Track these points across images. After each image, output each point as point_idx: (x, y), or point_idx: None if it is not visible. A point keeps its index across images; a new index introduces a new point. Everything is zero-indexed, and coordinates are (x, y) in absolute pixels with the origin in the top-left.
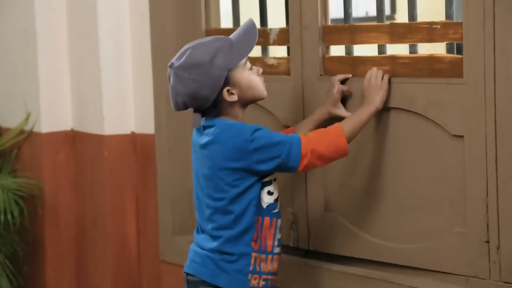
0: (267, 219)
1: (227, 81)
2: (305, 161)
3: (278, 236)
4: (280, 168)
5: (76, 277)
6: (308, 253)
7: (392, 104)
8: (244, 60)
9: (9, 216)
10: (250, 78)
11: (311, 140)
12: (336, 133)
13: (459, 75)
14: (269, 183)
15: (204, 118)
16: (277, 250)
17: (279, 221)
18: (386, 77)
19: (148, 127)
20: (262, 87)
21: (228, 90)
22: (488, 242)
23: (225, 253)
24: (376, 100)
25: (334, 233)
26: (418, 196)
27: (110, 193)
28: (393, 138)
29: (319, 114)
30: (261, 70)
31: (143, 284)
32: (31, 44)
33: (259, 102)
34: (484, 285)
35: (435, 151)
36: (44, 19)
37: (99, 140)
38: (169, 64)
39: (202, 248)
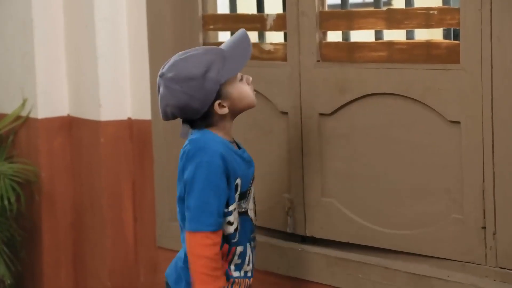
0: (225, 246)
1: (218, 95)
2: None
3: (238, 261)
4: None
5: (73, 263)
6: (304, 239)
7: (389, 90)
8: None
9: (6, 202)
10: (241, 89)
11: None
12: None
13: (456, 61)
14: (229, 213)
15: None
16: (236, 274)
17: (239, 248)
18: None
19: (144, 113)
20: (253, 96)
21: (219, 104)
22: (484, 228)
23: (187, 262)
24: None
25: (331, 219)
26: (415, 182)
27: (107, 179)
28: (390, 124)
29: None
30: (250, 78)
31: (140, 270)
32: (28, 31)
33: (256, 88)
34: (480, 270)
35: (432, 137)
36: (41, 6)
37: (95, 126)
38: (159, 73)
39: (181, 252)
